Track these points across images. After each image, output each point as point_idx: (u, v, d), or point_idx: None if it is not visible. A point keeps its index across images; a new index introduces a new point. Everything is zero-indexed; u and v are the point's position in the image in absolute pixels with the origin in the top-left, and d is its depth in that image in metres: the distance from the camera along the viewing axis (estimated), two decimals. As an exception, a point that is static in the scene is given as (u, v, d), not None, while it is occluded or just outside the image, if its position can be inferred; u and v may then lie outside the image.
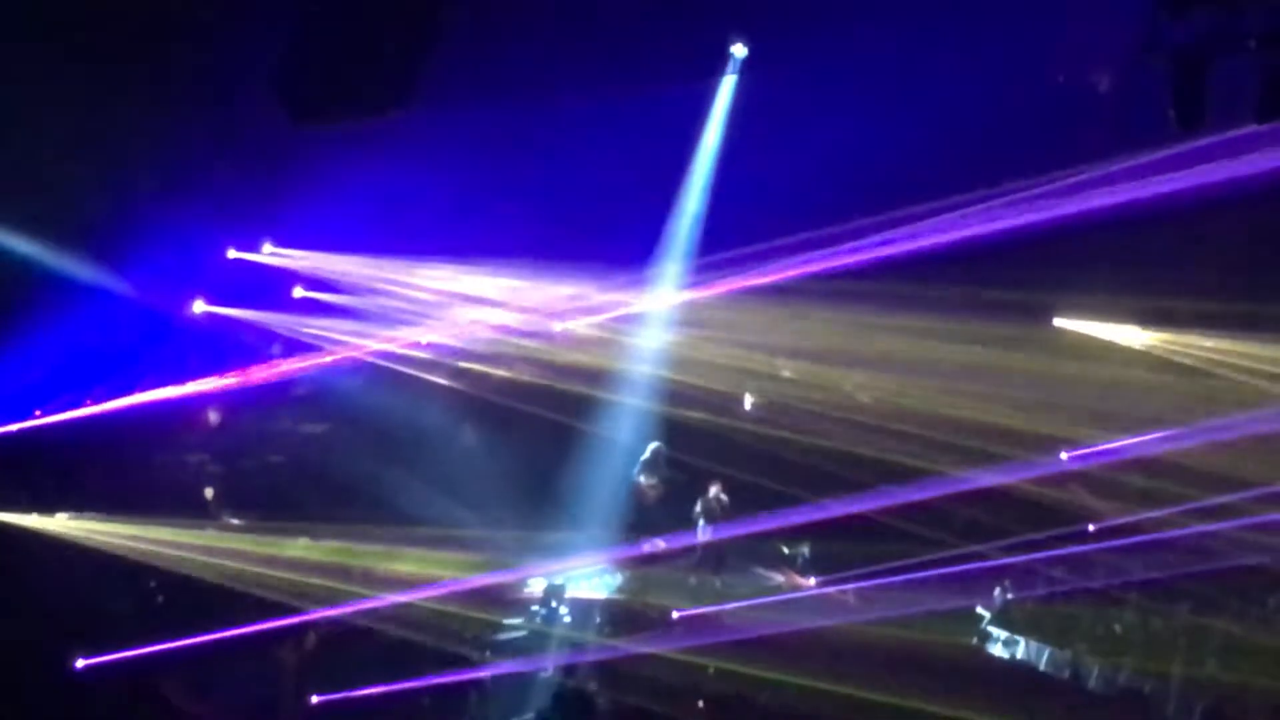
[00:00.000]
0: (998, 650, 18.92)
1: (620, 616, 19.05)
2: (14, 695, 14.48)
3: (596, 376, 20.77)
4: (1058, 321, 20.06)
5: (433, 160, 17.31)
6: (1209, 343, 19.39)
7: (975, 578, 18.87)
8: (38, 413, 18.07)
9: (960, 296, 18.02)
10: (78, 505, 17.65)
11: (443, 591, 17.47)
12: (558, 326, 20.71)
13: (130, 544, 17.21)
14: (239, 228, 19.03)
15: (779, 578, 20.67)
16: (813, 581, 20.40)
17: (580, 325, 20.73)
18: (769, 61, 18.00)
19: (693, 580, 20.03)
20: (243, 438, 20.68)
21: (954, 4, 15.84)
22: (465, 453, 21.17)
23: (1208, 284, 17.85)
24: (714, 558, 20.37)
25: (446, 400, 20.97)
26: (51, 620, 15.74)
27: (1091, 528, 19.10)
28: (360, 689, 15.97)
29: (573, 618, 18.62)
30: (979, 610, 19.25)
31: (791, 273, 18.42)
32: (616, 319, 20.61)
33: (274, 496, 19.63)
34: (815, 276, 18.32)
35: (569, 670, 17.23)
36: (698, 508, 20.46)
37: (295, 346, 20.09)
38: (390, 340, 20.18)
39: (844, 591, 19.61)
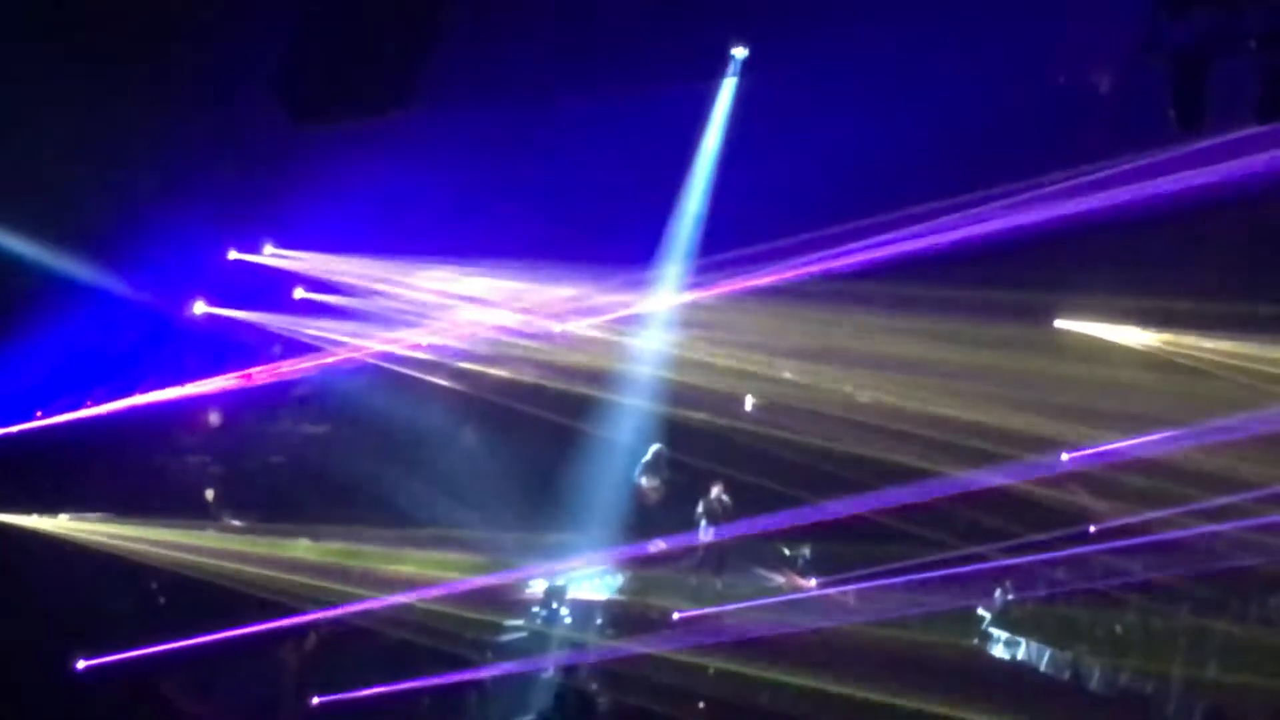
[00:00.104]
0: (999, 651, 18.90)
1: (621, 617, 19.04)
2: (14, 695, 14.49)
3: (597, 377, 20.76)
4: (1058, 323, 20.05)
5: (433, 160, 17.32)
6: (1209, 343, 19.39)
7: (976, 579, 18.85)
8: (39, 414, 18.08)
9: (961, 297, 18.00)
10: (79, 506, 17.67)
11: (443, 592, 17.46)
12: (558, 327, 20.71)
13: (131, 545, 17.22)
14: (239, 228, 19.04)
15: (780, 579, 20.66)
16: (813, 583, 20.39)
17: (581, 326, 20.72)
18: (769, 62, 18.01)
19: (693, 581, 20.01)
20: (243, 439, 20.71)
21: (954, 4, 15.86)
22: (466, 454, 21.18)
23: (1208, 284, 17.84)
24: (715, 559, 20.36)
25: (447, 401, 20.98)
26: (52, 620, 15.75)
27: (1092, 529, 19.08)
28: (361, 690, 15.97)
29: (573, 618, 18.63)
30: (980, 611, 19.23)
31: (792, 273, 18.41)
32: (617, 320, 20.59)
33: (275, 497, 19.65)
34: (816, 277, 18.31)
35: (570, 671, 17.22)
36: (700, 508, 20.45)
37: (296, 347, 20.10)
38: (391, 341, 20.19)
39: (845, 593, 19.58)
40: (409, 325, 20.21)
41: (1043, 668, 18.51)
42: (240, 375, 19.61)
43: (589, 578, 19.74)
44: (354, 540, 18.42)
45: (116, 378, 18.41)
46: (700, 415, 21.03)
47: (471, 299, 20.37)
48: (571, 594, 19.02)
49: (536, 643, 17.99)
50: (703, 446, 20.73)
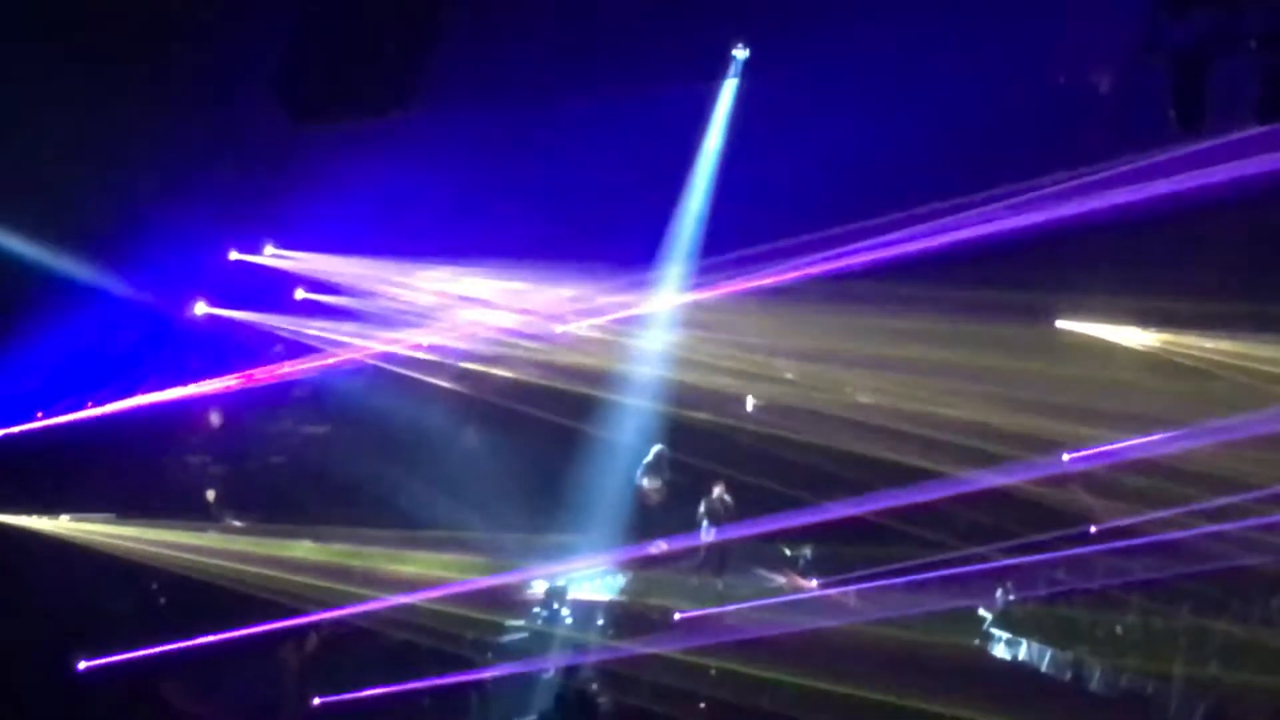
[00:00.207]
0: (1000, 652, 18.87)
1: (622, 618, 19.03)
2: (14, 696, 14.50)
3: (599, 378, 20.76)
4: (1059, 323, 20.04)
5: (433, 160, 17.33)
6: (1209, 343, 19.36)
7: (977, 579, 18.83)
8: (39, 414, 18.09)
9: (962, 297, 17.99)
10: (79, 506, 17.69)
11: (445, 593, 17.45)
12: (559, 328, 20.72)
13: (131, 545, 17.23)
14: (240, 229, 19.06)
15: (781, 579, 20.64)
16: (814, 583, 20.37)
17: (582, 327, 20.73)
18: (769, 62, 18.02)
19: (695, 582, 19.99)
20: (244, 439, 20.72)
21: (954, 4, 15.88)
22: (467, 454, 21.18)
23: (1208, 284, 17.83)
24: (716, 559, 20.35)
25: (448, 402, 20.98)
26: (53, 621, 15.77)
27: (1093, 529, 19.05)
28: (362, 690, 15.97)
29: (575, 619, 18.61)
30: (981, 612, 19.21)
31: (793, 274, 18.41)
32: (618, 320, 20.60)
33: (276, 498, 19.67)
34: (817, 278, 18.30)
35: (571, 672, 17.18)
36: (701, 509, 20.43)
37: (296, 348, 20.11)
38: (392, 342, 20.20)
39: (846, 593, 19.56)
40: (410, 326, 20.22)
41: (1044, 668, 18.48)
42: (241, 375, 19.64)
43: (590, 578, 19.74)
44: (355, 541, 18.42)
45: (117, 378, 18.43)
46: (702, 416, 21.03)
47: (472, 299, 20.37)
48: (573, 594, 19.00)
49: (538, 643, 17.97)
50: (704, 447, 20.72)
